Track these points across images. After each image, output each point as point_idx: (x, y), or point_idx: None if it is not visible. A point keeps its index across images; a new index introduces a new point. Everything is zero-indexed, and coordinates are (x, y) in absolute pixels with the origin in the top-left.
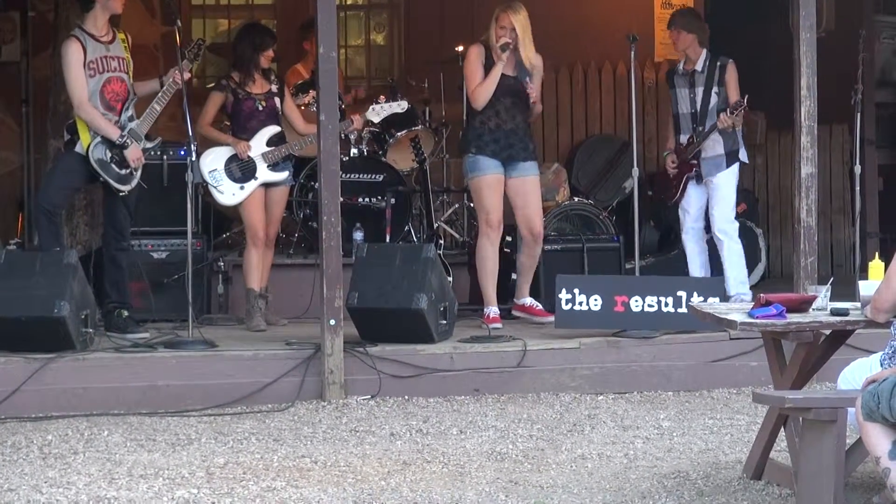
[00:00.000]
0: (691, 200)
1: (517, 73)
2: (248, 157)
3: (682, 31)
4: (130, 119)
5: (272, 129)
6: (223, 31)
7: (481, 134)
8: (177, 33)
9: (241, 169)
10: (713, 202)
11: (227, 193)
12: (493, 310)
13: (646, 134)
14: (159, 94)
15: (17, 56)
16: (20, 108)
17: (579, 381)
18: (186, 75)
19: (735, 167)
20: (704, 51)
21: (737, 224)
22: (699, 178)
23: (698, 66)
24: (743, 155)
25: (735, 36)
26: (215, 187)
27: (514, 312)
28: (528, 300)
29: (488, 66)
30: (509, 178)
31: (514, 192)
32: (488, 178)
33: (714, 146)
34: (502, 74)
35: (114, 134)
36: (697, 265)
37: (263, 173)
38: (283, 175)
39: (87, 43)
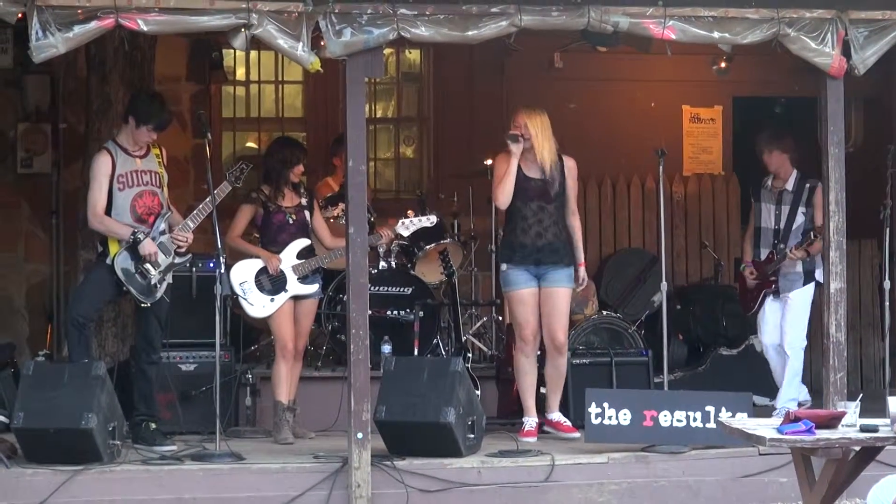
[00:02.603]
0: (768, 314)
1: (544, 176)
2: (279, 269)
3: (776, 152)
4: (162, 233)
5: (302, 242)
6: (253, 144)
7: (512, 245)
8: (207, 146)
9: (271, 281)
10: (786, 318)
11: (258, 305)
12: (530, 422)
13: (674, 248)
14: (194, 212)
15: (48, 167)
16: (50, 220)
17: (607, 496)
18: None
19: (811, 286)
20: (794, 170)
21: (805, 343)
22: (777, 293)
23: (788, 186)
24: (819, 275)
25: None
26: (245, 299)
27: (545, 427)
28: (556, 415)
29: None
30: (542, 286)
31: (542, 301)
32: (520, 293)
33: (793, 263)
34: (527, 177)
35: (125, 233)
36: (780, 375)
37: (293, 286)
38: (313, 288)
39: (117, 156)
